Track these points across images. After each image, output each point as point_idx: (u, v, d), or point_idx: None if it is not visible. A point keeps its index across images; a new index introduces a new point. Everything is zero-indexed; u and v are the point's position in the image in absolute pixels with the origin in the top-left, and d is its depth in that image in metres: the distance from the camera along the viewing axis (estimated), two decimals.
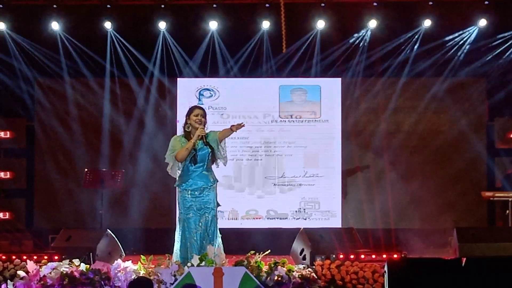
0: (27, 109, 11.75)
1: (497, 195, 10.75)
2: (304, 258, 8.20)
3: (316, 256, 7.97)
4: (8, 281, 7.22)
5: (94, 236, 8.64)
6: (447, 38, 11.45)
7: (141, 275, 7.00)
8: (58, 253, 7.98)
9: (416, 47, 11.48)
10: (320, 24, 11.36)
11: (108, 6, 11.24)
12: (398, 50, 11.56)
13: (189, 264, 6.96)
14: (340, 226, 11.12)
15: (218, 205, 7.51)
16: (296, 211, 11.57)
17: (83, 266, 7.20)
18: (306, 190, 11.61)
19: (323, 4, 11.26)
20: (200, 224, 7.37)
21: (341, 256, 7.81)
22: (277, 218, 11.57)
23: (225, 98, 11.70)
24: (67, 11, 11.26)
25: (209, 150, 7.38)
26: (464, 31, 11.43)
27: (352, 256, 7.83)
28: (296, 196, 11.62)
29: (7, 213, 11.48)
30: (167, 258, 7.34)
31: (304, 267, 7.41)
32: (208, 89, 11.68)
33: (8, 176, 11.57)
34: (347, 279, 7.32)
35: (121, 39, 11.49)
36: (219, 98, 11.67)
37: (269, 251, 7.47)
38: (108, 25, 11.32)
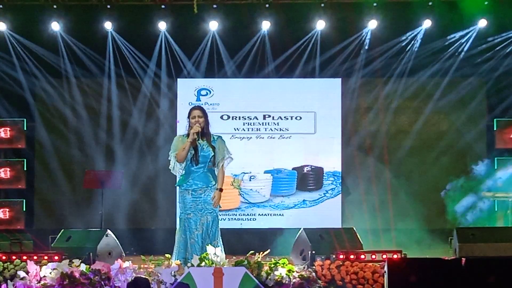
0: (27, 109, 11.75)
1: (497, 195, 10.74)
2: (304, 258, 8.21)
3: (316, 256, 7.96)
4: (8, 281, 7.21)
5: (94, 236, 8.65)
6: (447, 38, 11.46)
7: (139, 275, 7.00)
8: (58, 253, 7.98)
9: (416, 47, 11.49)
10: (320, 24, 11.36)
11: (108, 6, 11.24)
12: (398, 50, 11.56)
13: (189, 265, 6.97)
14: (340, 226, 11.12)
15: (219, 206, 7.52)
16: (295, 211, 11.57)
17: (83, 267, 7.20)
18: (306, 190, 11.61)
19: (323, 4, 11.27)
20: (201, 224, 7.38)
21: (341, 256, 7.80)
22: (277, 218, 11.57)
23: (225, 99, 11.71)
24: (67, 11, 11.26)
25: (213, 152, 7.42)
26: (464, 31, 11.44)
27: (352, 256, 7.82)
28: (296, 196, 11.62)
29: (7, 213, 11.48)
30: (167, 258, 7.35)
31: (304, 267, 7.41)
32: (207, 89, 11.69)
33: (8, 176, 11.57)
34: (347, 279, 7.32)
35: (121, 39, 11.50)
36: (218, 98, 11.68)
37: (269, 250, 7.49)
38: (108, 25, 11.32)
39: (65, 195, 11.66)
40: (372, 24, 11.34)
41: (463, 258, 6.80)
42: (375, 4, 11.22)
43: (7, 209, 11.50)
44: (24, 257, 7.76)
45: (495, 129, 11.66)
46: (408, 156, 11.72)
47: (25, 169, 11.64)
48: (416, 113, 11.83)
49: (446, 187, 10.93)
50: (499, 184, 10.92)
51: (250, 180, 11.66)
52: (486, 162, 11.18)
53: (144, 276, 6.76)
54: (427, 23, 11.31)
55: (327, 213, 11.56)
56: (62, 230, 8.96)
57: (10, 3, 11.20)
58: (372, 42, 11.51)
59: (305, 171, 11.67)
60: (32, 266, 7.20)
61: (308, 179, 11.66)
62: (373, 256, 7.91)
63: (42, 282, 7.07)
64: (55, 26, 11.30)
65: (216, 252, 6.99)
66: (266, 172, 11.68)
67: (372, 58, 11.61)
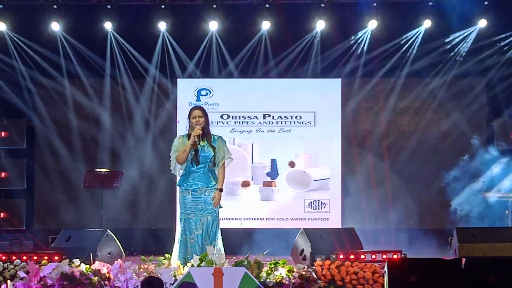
0: (27, 109, 11.75)
1: (497, 195, 10.74)
2: (304, 258, 8.20)
3: (316, 256, 7.96)
4: (8, 281, 7.21)
5: (94, 237, 8.63)
6: (447, 38, 11.46)
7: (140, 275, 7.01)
8: (58, 253, 7.97)
9: (416, 47, 11.49)
10: (320, 24, 11.36)
11: (108, 6, 11.24)
12: (398, 50, 11.56)
13: (189, 264, 6.97)
14: (340, 226, 11.12)
15: (220, 206, 7.52)
16: (296, 211, 11.57)
17: (83, 267, 7.20)
18: (306, 190, 11.61)
19: (323, 5, 11.26)
20: (201, 224, 7.39)
21: (341, 256, 7.79)
22: (277, 218, 11.57)
23: (225, 99, 11.70)
24: (67, 11, 11.26)
25: (213, 152, 7.43)
26: (464, 31, 11.44)
27: (352, 256, 7.81)
28: (296, 196, 11.62)
29: (7, 213, 11.47)
30: (167, 258, 7.36)
31: (304, 267, 7.41)
32: (207, 89, 11.69)
33: (8, 176, 11.56)
34: (347, 279, 7.32)
35: (121, 39, 11.50)
36: (218, 98, 11.67)
37: (269, 250, 7.49)
38: (108, 25, 11.32)
39: (65, 195, 11.65)
40: (372, 24, 11.34)
41: (463, 258, 6.79)
42: (375, 4, 11.22)
43: (7, 209, 11.49)
44: (24, 257, 7.75)
45: (495, 129, 11.66)
46: (408, 156, 11.72)
47: (25, 169, 11.64)
48: (416, 113, 11.83)
49: (451, 172, 10.95)
50: (499, 184, 10.94)
51: (250, 180, 11.66)
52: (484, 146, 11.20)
53: (156, 276, 6.75)
54: (427, 23, 11.31)
55: (327, 213, 11.55)
56: (62, 230, 8.94)
57: (10, 3, 11.20)
58: (372, 42, 11.50)
59: (305, 171, 11.67)
60: (32, 266, 7.19)
61: (308, 179, 11.64)
62: (373, 256, 7.90)
63: (42, 282, 7.07)
64: (55, 26, 11.30)
65: (216, 252, 6.99)
66: (266, 172, 11.68)
67: (372, 58, 11.60)
